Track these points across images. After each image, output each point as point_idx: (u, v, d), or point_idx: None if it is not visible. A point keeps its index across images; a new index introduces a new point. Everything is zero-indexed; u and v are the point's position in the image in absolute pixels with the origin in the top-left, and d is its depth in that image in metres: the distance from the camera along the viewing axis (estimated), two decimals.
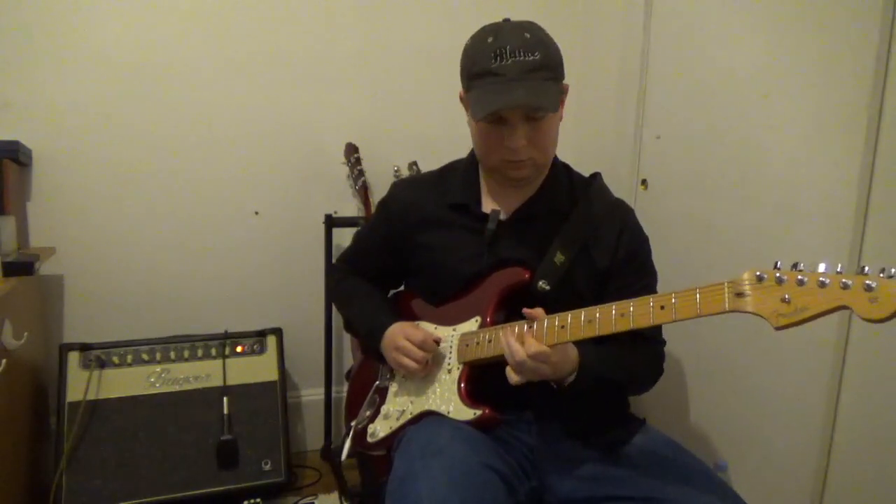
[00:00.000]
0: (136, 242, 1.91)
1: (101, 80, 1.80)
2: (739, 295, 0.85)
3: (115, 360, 1.75)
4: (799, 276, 0.80)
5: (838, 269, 0.79)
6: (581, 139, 2.17)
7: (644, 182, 1.98)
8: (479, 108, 1.08)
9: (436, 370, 1.18)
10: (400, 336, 1.17)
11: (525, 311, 1.04)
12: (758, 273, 0.84)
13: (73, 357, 1.72)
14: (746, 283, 0.85)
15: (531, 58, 1.06)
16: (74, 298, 1.88)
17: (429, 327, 1.24)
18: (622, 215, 1.24)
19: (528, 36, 1.07)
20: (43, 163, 1.79)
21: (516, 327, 1.06)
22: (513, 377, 1.01)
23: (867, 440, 1.30)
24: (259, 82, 1.94)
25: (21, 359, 1.55)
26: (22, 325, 1.49)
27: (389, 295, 1.40)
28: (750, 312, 0.84)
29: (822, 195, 1.36)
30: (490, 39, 1.08)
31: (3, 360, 1.34)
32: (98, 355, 1.73)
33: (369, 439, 1.23)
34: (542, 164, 1.19)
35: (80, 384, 1.69)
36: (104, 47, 1.79)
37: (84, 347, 1.73)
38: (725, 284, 0.87)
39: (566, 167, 1.28)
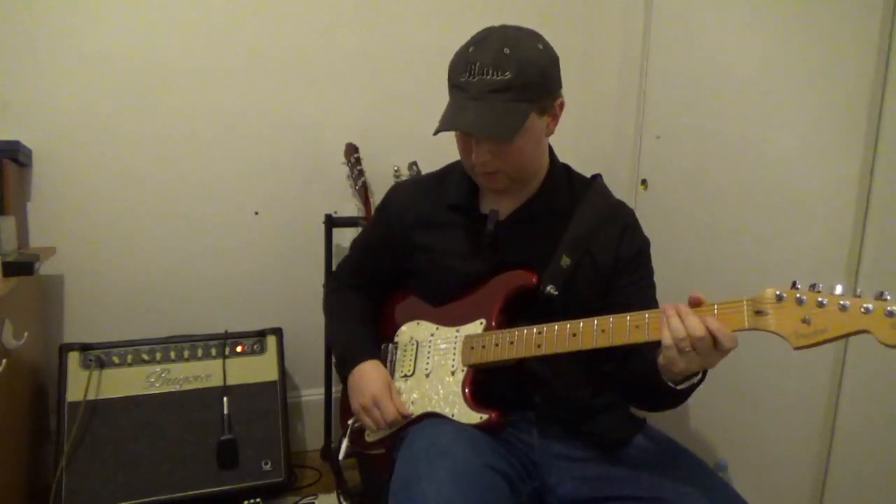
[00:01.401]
0: (136, 243, 1.91)
1: (101, 81, 1.80)
2: (759, 313, 0.87)
3: (115, 360, 1.75)
4: (819, 298, 0.82)
5: (857, 293, 0.81)
6: (581, 139, 2.17)
7: (644, 182, 1.98)
8: (440, 121, 1.09)
9: (438, 371, 1.18)
10: (369, 398, 1.16)
11: (693, 296, 0.94)
12: (777, 292, 0.85)
13: (73, 357, 1.72)
14: (766, 301, 0.86)
15: (499, 77, 1.04)
16: (74, 298, 1.88)
17: (430, 327, 1.23)
18: (623, 216, 1.23)
19: (506, 52, 1.05)
20: (43, 163, 1.79)
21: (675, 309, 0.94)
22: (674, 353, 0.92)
23: (867, 440, 1.30)
24: (259, 82, 1.94)
25: (21, 359, 1.55)
26: (22, 325, 1.49)
27: (388, 298, 1.39)
28: (771, 332, 0.86)
29: (822, 195, 1.36)
30: (470, 49, 1.08)
31: (3, 360, 1.34)
32: (98, 355, 1.73)
33: (368, 438, 1.23)
34: (518, 177, 1.17)
35: (80, 384, 1.69)
36: (104, 48, 1.79)
37: (84, 347, 1.73)
38: (745, 301, 0.88)
39: (566, 168, 1.28)
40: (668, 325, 0.92)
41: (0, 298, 1.38)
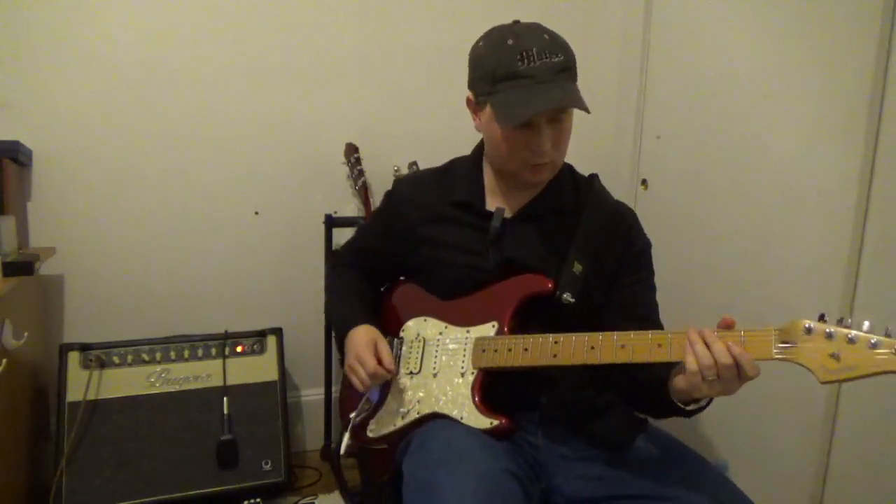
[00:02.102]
0: (136, 242, 1.91)
1: (101, 80, 1.80)
2: (786, 343, 0.86)
3: (116, 360, 1.75)
4: (850, 335, 0.82)
5: (886, 332, 0.81)
6: (581, 139, 2.17)
7: (644, 182, 1.99)
8: (511, 112, 1.06)
9: (446, 372, 1.17)
10: (354, 356, 1.16)
11: (725, 319, 0.93)
12: (806, 324, 0.85)
13: (73, 357, 1.72)
14: (793, 332, 0.86)
15: (556, 59, 1.05)
16: (74, 298, 1.88)
17: (438, 325, 1.22)
18: (626, 217, 1.24)
19: (547, 38, 1.07)
20: (43, 163, 1.79)
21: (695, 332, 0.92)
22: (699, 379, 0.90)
23: (867, 440, 1.30)
24: (259, 82, 1.94)
25: (21, 359, 1.55)
26: (22, 325, 1.49)
27: (392, 288, 1.38)
28: (797, 363, 0.85)
29: (822, 195, 1.36)
30: (510, 41, 1.07)
31: (3, 360, 1.34)
32: (98, 355, 1.73)
33: (370, 434, 1.22)
34: (559, 165, 1.19)
35: (80, 384, 1.69)
36: (104, 47, 1.79)
37: (84, 347, 1.73)
38: (773, 331, 0.88)
39: (569, 167, 1.28)
40: (694, 351, 0.90)
41: (0, 298, 1.38)
